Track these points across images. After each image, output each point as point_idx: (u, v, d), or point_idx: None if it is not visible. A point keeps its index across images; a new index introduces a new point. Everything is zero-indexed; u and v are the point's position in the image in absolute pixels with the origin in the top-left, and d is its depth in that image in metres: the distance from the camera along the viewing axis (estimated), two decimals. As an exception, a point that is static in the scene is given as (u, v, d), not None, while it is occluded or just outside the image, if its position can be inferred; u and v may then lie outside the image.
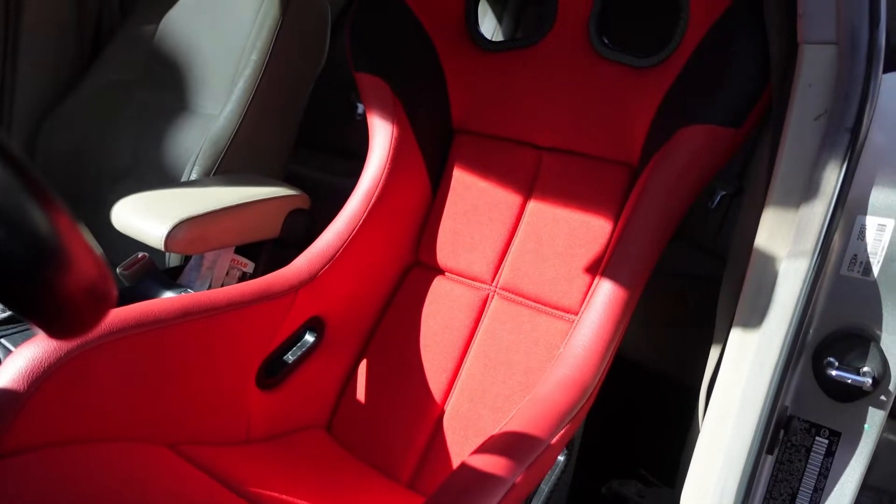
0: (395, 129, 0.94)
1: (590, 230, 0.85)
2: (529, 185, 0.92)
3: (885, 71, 0.55)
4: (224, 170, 1.11)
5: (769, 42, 0.64)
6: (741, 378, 0.59)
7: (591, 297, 0.74)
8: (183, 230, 0.86)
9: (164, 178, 1.22)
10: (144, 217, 0.88)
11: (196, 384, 0.76)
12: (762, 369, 0.58)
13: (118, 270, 0.98)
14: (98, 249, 0.30)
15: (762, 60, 0.66)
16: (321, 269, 0.87)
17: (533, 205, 0.91)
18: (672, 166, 0.73)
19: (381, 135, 0.94)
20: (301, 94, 1.24)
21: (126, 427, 0.69)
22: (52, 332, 0.28)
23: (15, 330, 0.84)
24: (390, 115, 0.94)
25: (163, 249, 0.86)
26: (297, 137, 1.37)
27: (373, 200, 0.92)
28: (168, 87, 1.33)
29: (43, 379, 0.60)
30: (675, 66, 0.79)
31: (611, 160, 0.87)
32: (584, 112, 0.89)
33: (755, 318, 0.58)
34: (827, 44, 0.56)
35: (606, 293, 0.72)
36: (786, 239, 0.57)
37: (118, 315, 0.68)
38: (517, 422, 0.59)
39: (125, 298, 0.95)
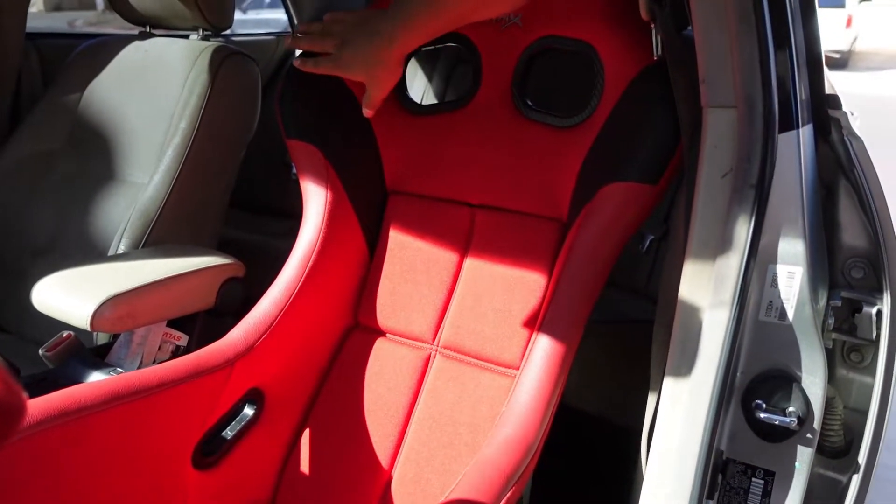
0: (328, 193, 0.94)
1: (525, 285, 0.87)
2: (465, 243, 0.94)
3: (781, 131, 0.59)
4: (154, 240, 1.08)
5: (677, 105, 0.69)
6: (676, 427, 0.61)
7: (529, 354, 0.75)
8: (109, 308, 0.83)
9: (91, 250, 1.18)
10: (68, 296, 0.84)
11: (127, 472, 0.72)
12: (695, 417, 0.60)
13: (41, 352, 0.93)
14: None
15: (672, 122, 0.71)
16: (258, 340, 0.85)
17: (469, 262, 0.92)
18: (597, 222, 0.76)
19: (314, 200, 0.94)
20: (232, 160, 1.23)
21: (50, 526, 0.65)
22: None
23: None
24: (323, 180, 0.94)
25: (89, 329, 0.82)
26: (232, 199, 1.35)
27: (309, 266, 0.91)
28: (94, 155, 1.30)
29: (-46, 484, 0.56)
30: (594, 126, 0.83)
31: (541, 216, 0.89)
32: (512, 171, 0.92)
33: (684, 368, 0.60)
34: (727, 107, 0.61)
35: (544, 349, 0.73)
36: (706, 290, 0.60)
37: (39, 406, 0.64)
38: (463, 489, 0.59)
39: (49, 383, 0.90)
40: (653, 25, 0.69)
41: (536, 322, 0.84)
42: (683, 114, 0.69)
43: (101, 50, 1.38)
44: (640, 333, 1.25)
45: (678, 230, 0.74)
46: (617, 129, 0.78)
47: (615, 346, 1.20)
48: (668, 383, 0.62)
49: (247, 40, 2.11)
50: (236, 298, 1.02)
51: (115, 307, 0.83)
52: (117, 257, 1.00)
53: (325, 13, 2.40)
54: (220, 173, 1.21)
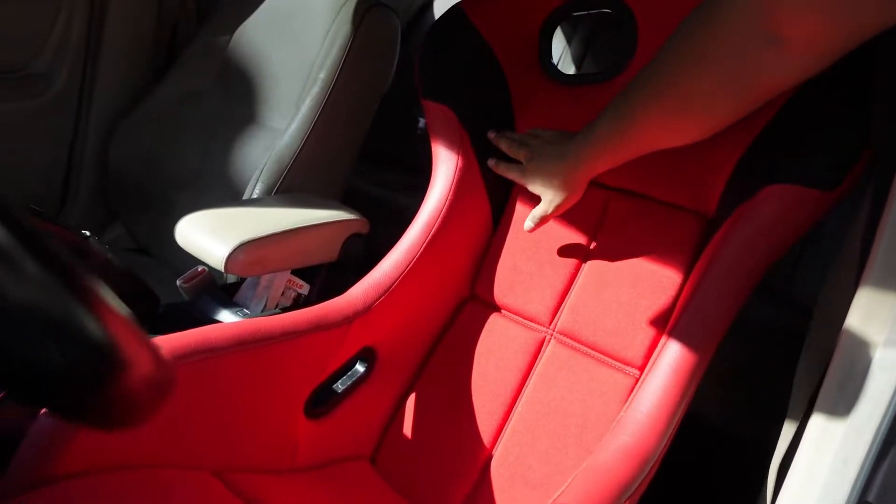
0: (459, 160, 0.92)
1: (656, 280, 0.81)
2: (595, 226, 0.88)
3: None
4: (286, 187, 1.11)
5: (873, 99, 0.59)
6: (822, 471, 0.54)
7: (657, 358, 0.70)
8: (243, 253, 0.86)
9: (229, 189, 1.23)
10: (206, 238, 0.89)
11: (245, 413, 0.76)
12: (847, 464, 0.53)
13: (178, 283, 0.99)
14: (148, 337, 0.29)
15: (861, 124, 0.61)
16: (376, 301, 0.86)
17: (597, 247, 0.87)
18: (754, 225, 0.68)
19: (444, 165, 0.92)
20: (367, 113, 1.23)
21: (175, 454, 0.69)
22: (113, 428, 0.27)
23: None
24: (456, 145, 0.92)
25: (223, 271, 0.86)
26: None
27: (433, 232, 0.90)
28: (237, 98, 1.35)
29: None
30: (762, 114, 0.74)
31: (683, 208, 0.82)
32: (657, 153, 0.85)
33: (841, 408, 0.53)
34: (945, 113, 0.51)
35: (674, 356, 0.68)
36: (883, 325, 0.52)
37: (178, 341, 0.68)
38: (573, 494, 0.56)
39: (184, 313, 0.96)
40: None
41: (665, 323, 0.78)
42: (880, 111, 0.59)
43: (252, -7, 1.42)
44: (771, 341, 1.15)
45: (851, 242, 0.65)
46: (790, 120, 0.69)
47: (742, 351, 1.10)
48: (819, 421, 0.55)
49: (388, -11, 2.10)
50: (358, 254, 1.03)
51: (248, 253, 0.86)
52: (252, 202, 1.04)
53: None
54: (353, 125, 1.22)
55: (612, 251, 0.86)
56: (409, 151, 1.81)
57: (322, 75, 1.18)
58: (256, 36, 1.37)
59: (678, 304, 0.76)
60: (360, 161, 1.50)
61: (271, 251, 0.90)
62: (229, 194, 1.22)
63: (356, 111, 1.21)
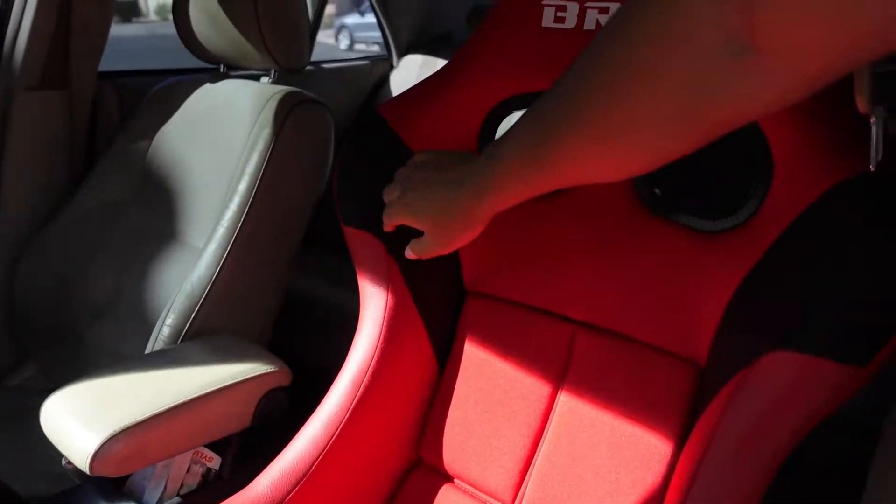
0: (389, 297, 0.75)
1: (641, 450, 0.63)
2: (560, 372, 0.71)
3: None
4: (197, 330, 0.93)
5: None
6: None
7: None
8: (118, 444, 0.68)
9: (145, 321, 1.06)
10: (71, 424, 0.70)
11: None
12: None
13: (63, 463, 0.81)
14: None
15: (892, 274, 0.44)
16: (288, 494, 0.67)
17: (565, 399, 0.70)
18: (762, 401, 0.51)
19: (371, 305, 0.75)
20: (298, 223, 1.07)
21: None
22: None
23: None
24: (383, 280, 0.75)
25: (89, 473, 0.67)
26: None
27: (360, 391, 0.72)
28: (159, 211, 1.20)
29: None
30: (755, 242, 0.57)
31: (668, 352, 0.65)
32: (629, 281, 0.68)
33: None
34: None
35: None
36: None
37: None
38: None
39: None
40: (872, 120, 0.43)
41: (655, 512, 0.60)
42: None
43: (174, 91, 1.28)
44: (828, 485, 0.93)
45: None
46: (796, 262, 0.52)
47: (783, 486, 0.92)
48: None
49: (340, 66, 1.99)
50: (279, 410, 0.85)
51: (124, 444, 0.68)
52: (143, 361, 0.85)
53: (421, 33, 2.22)
54: (281, 240, 1.06)
55: (583, 405, 0.68)
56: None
57: (241, 187, 1.02)
58: (178, 139, 1.22)
59: (672, 488, 0.58)
60: (317, 255, 1.31)
61: (156, 437, 0.71)
62: (145, 326, 1.05)
63: (284, 224, 1.05)
